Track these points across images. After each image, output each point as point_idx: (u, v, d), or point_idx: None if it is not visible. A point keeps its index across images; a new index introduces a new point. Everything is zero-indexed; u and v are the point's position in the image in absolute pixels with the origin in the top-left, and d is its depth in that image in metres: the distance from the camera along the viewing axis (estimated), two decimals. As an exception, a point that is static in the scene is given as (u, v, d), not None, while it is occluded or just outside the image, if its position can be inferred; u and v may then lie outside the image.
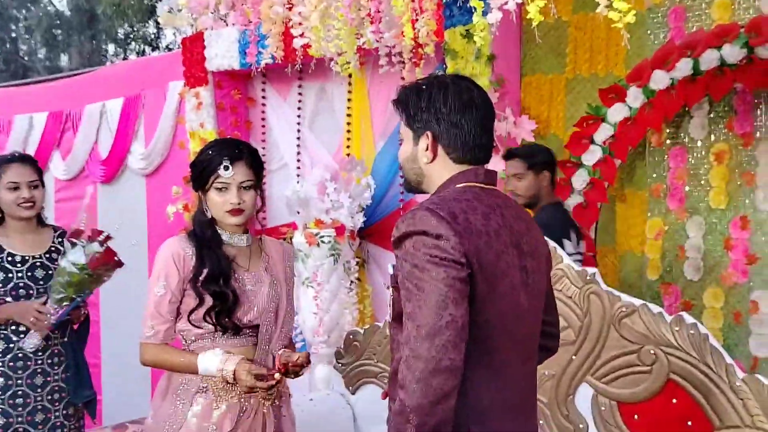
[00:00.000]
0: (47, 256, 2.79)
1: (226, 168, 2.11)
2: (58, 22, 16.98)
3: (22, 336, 2.70)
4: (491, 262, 1.52)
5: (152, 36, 15.54)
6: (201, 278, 2.11)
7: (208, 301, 2.11)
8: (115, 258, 2.67)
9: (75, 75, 6.15)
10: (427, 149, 1.63)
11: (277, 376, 2.09)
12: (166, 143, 4.73)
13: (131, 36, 15.66)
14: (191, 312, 2.12)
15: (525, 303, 1.61)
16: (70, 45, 16.94)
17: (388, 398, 1.67)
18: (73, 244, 2.63)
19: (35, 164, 2.86)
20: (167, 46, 14.73)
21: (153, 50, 15.20)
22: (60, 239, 2.82)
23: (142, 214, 4.99)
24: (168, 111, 4.67)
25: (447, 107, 1.62)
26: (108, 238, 2.67)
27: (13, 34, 18.08)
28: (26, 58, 17.89)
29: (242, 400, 2.14)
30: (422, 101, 1.64)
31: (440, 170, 1.64)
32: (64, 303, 2.64)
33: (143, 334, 2.16)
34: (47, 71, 14.87)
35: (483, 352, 1.52)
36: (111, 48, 16.65)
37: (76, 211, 5.30)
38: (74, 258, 2.59)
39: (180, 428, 2.12)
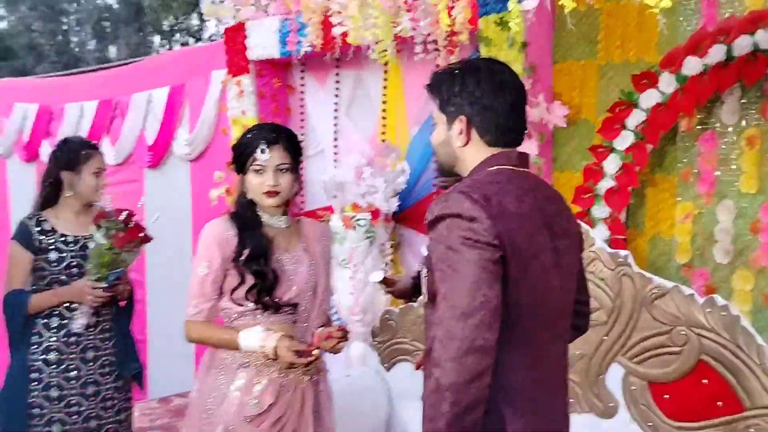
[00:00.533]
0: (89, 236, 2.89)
1: (263, 151, 2.19)
2: (107, 14, 17.40)
3: (74, 312, 2.81)
4: (523, 245, 1.55)
5: (196, 27, 15.82)
6: (242, 258, 2.20)
7: (249, 279, 2.19)
8: (140, 234, 2.80)
9: (122, 65, 6.34)
10: (460, 133, 1.66)
11: (315, 352, 2.16)
12: (210, 130, 4.88)
13: (176, 28, 15.96)
14: (233, 290, 2.21)
15: (557, 284, 1.65)
16: (118, 37, 17.35)
17: (423, 377, 1.71)
18: (99, 227, 2.75)
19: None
20: (210, 37, 14.96)
21: (196, 41, 15.46)
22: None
23: (187, 198, 5.16)
24: (211, 99, 4.81)
25: (480, 90, 1.64)
26: (131, 215, 2.79)
27: (65, 27, 18.57)
28: (77, 50, 18.36)
29: (282, 375, 2.22)
30: (455, 85, 1.66)
31: (474, 153, 1.67)
32: (103, 282, 2.76)
33: (188, 312, 2.24)
34: (97, 62, 15.21)
35: (515, 332, 1.56)
36: (156, 39, 16.99)
37: (125, 195, 5.54)
38: (99, 239, 2.73)
39: (223, 401, 2.20)
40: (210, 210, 4.36)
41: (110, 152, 5.67)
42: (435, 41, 3.26)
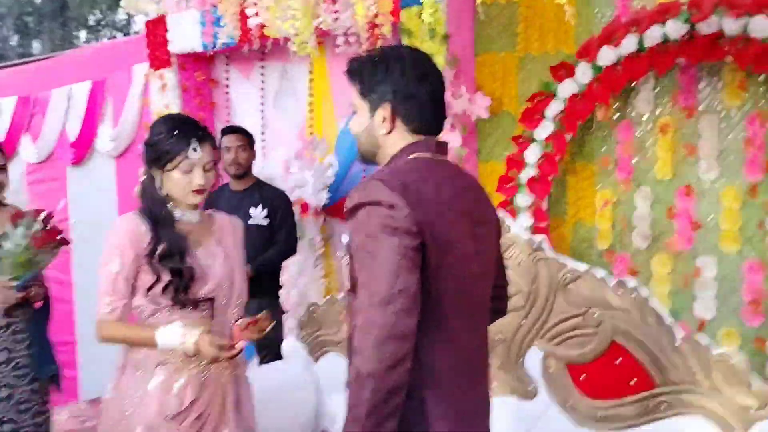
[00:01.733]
0: (2, 235, 2.79)
1: (195, 149, 2.14)
2: (30, 9, 16.82)
3: None
4: (443, 232, 1.56)
5: (123, 22, 15.46)
6: (157, 255, 2.13)
7: (165, 277, 2.13)
8: (58, 236, 2.73)
9: (42, 60, 6.15)
10: (383, 121, 1.64)
11: (239, 345, 2.12)
12: (134, 125, 4.78)
13: (102, 23, 15.57)
14: (149, 289, 2.14)
15: (476, 270, 1.66)
16: (41, 32, 16.78)
17: (347, 364, 1.75)
18: (16, 226, 2.68)
19: None
20: (137, 32, 14.66)
21: (123, 36, 15.10)
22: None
23: (113, 195, 5.05)
24: (134, 93, 4.72)
25: (404, 78, 1.63)
26: (50, 216, 2.72)
27: (-16, 22, 17.89)
28: (-2, 45, 17.71)
29: (201, 371, 2.17)
30: (378, 72, 1.64)
31: (396, 141, 1.66)
32: (17, 282, 2.69)
33: (99, 311, 2.15)
34: (19, 58, 14.72)
35: (435, 318, 1.56)
36: (83, 35, 16.52)
37: (48, 193, 5.38)
38: (17, 239, 2.65)
39: (141, 401, 2.13)
40: (136, 206, 4.27)
41: (32, 150, 5.51)
42: (357, 33, 3.27)
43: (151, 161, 2.20)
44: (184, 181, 2.16)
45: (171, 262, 2.14)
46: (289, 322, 3.76)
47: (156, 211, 2.18)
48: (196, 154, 2.14)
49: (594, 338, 2.53)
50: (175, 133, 2.17)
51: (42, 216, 2.72)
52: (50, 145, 5.39)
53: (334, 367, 3.02)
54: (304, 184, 3.88)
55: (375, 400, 1.47)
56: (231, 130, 3.74)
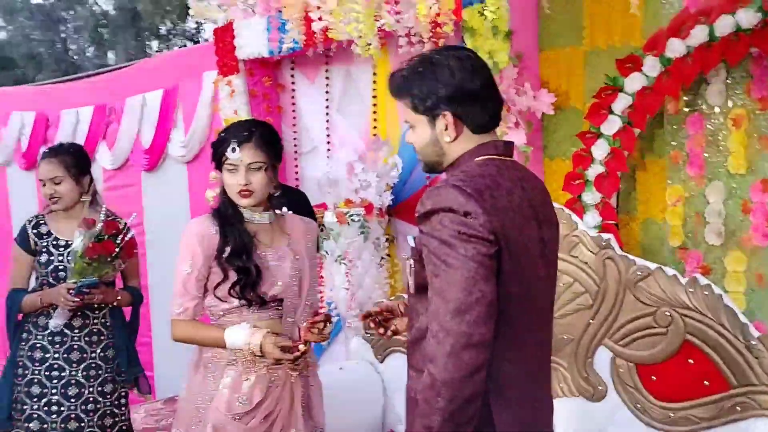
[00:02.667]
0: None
1: (233, 150, 2.18)
2: (104, 21, 17.46)
3: (54, 312, 2.83)
4: (515, 238, 1.54)
5: (193, 31, 15.88)
6: (224, 254, 2.20)
7: (232, 276, 2.20)
8: (115, 250, 2.77)
9: (115, 69, 6.37)
10: (446, 128, 1.62)
11: (301, 347, 2.16)
12: (204, 131, 4.90)
13: (173, 32, 16.02)
14: (216, 287, 2.21)
15: (542, 274, 1.65)
16: (115, 43, 17.40)
17: (408, 368, 1.72)
18: (80, 233, 2.75)
19: (62, 159, 2.93)
20: (206, 40, 15.03)
21: (194, 44, 15.51)
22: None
23: (185, 199, 5.18)
24: (204, 100, 4.83)
25: (456, 80, 1.60)
26: (111, 228, 2.78)
27: (63, 35, 18.63)
28: (76, 57, 18.43)
29: (270, 371, 2.22)
30: (428, 82, 1.61)
31: (462, 144, 1.64)
32: (73, 287, 2.75)
33: (172, 311, 2.24)
34: (95, 68, 15.29)
35: (503, 324, 1.54)
36: (154, 44, 17.05)
37: (124, 198, 5.56)
38: (76, 246, 2.73)
39: (212, 400, 2.20)
40: (207, 210, 4.37)
41: (108, 157, 5.72)
42: (419, 34, 3.27)
43: (214, 163, 2.29)
44: (231, 181, 2.22)
45: (237, 261, 2.20)
46: (354, 322, 3.79)
47: (224, 211, 2.25)
48: (235, 154, 2.18)
49: (665, 338, 2.47)
50: (222, 135, 2.25)
51: (98, 227, 2.75)
52: (125, 152, 5.57)
53: (400, 367, 3.01)
54: (369, 185, 3.90)
55: (451, 408, 1.46)
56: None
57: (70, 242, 2.85)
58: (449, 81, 1.60)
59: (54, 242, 2.87)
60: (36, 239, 2.87)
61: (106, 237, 2.76)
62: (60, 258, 2.87)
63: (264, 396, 2.21)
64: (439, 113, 1.61)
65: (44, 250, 2.86)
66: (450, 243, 1.49)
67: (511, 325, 1.57)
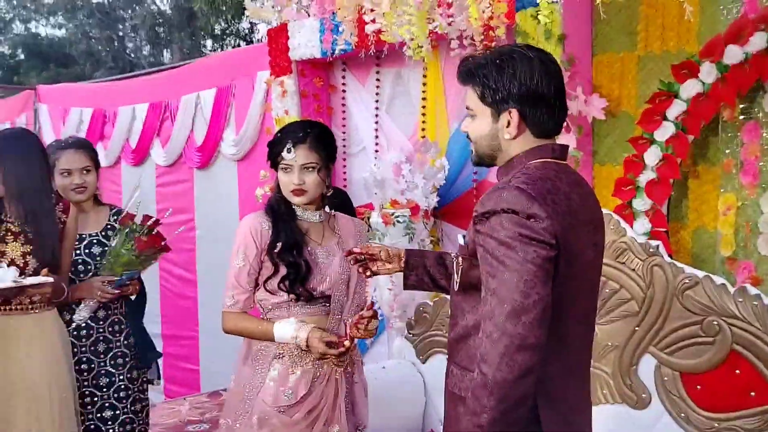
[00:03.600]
0: (103, 233, 2.93)
1: (289, 150, 2.25)
2: (161, 20, 17.83)
3: (80, 305, 2.84)
4: (573, 242, 1.55)
5: (246, 31, 16.11)
6: (276, 249, 2.26)
7: (282, 270, 2.25)
8: (162, 243, 2.84)
9: (171, 68, 6.51)
10: (508, 125, 1.60)
11: (347, 343, 2.20)
12: (255, 130, 4.98)
13: (227, 31, 16.27)
14: (266, 280, 2.27)
15: (594, 278, 1.67)
16: (171, 42, 17.77)
17: (449, 367, 1.75)
18: (124, 227, 2.80)
19: (89, 149, 2.98)
20: (260, 40, 15.22)
21: (247, 44, 15.73)
22: (115, 217, 2.97)
23: (235, 197, 5.27)
24: (256, 99, 4.91)
25: (533, 81, 1.57)
26: (156, 223, 2.83)
27: (121, 33, 19.10)
28: (132, 55, 18.88)
29: (316, 366, 2.26)
30: (503, 75, 1.59)
31: (520, 145, 1.63)
32: (116, 280, 2.80)
33: (224, 303, 2.30)
34: (151, 66, 15.63)
35: (553, 325, 1.54)
36: (209, 43, 17.35)
37: (175, 195, 5.68)
38: (123, 239, 2.78)
39: (259, 392, 2.26)
40: (256, 208, 4.44)
41: (161, 154, 5.85)
42: (472, 36, 3.28)
43: (270, 162, 2.33)
44: (285, 180, 2.28)
45: (288, 256, 2.25)
46: (397, 323, 3.81)
47: (277, 208, 2.30)
48: (290, 155, 2.25)
49: (711, 347, 2.44)
50: (278, 135, 2.31)
51: (150, 221, 2.83)
52: (178, 149, 5.69)
53: (442, 368, 3.03)
54: (415, 186, 3.91)
55: (502, 408, 1.47)
56: None
57: (83, 235, 2.88)
58: (526, 80, 1.58)
59: None
60: None
61: (153, 231, 2.82)
62: (77, 252, 2.87)
63: (308, 390, 2.25)
64: (506, 109, 1.60)
65: None
66: (510, 245, 1.49)
67: (562, 327, 1.57)
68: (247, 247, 2.27)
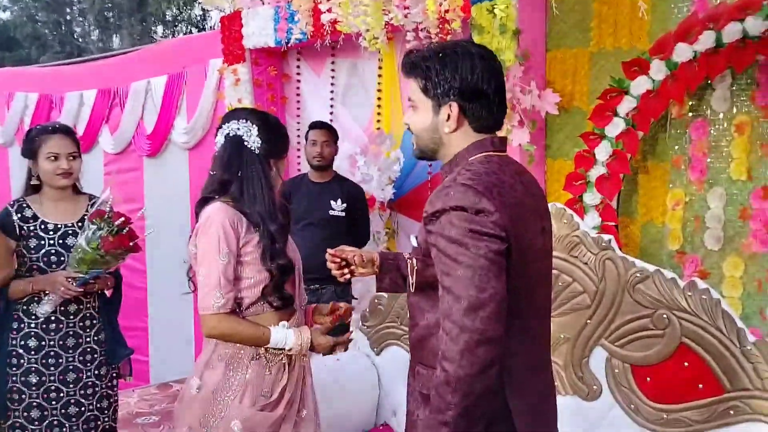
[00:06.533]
0: (79, 224, 2.84)
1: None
2: (110, 5, 17.43)
3: (44, 299, 2.75)
4: (522, 233, 1.55)
5: (198, 18, 15.87)
6: (268, 254, 2.12)
7: (275, 275, 2.14)
8: (130, 243, 2.73)
9: (121, 54, 6.37)
10: (448, 119, 1.60)
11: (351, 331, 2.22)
12: (207, 118, 4.92)
13: (179, 18, 16.01)
14: (265, 287, 2.13)
15: (544, 268, 1.68)
16: (121, 27, 17.40)
17: (411, 366, 1.73)
18: (92, 224, 2.69)
19: (74, 136, 2.92)
20: (212, 27, 15.00)
21: (199, 31, 15.50)
22: (93, 208, 2.85)
23: (185, 186, 5.20)
24: (209, 87, 4.85)
25: (474, 76, 1.58)
26: (126, 222, 2.72)
27: (68, 17, 18.62)
28: (80, 40, 18.42)
29: (284, 359, 2.18)
30: (446, 69, 1.59)
31: (460, 139, 1.63)
32: (79, 278, 2.71)
33: (212, 305, 2.08)
34: (99, 52, 15.27)
35: (512, 316, 1.54)
36: (160, 30, 17.04)
37: (124, 183, 5.56)
38: (89, 237, 2.67)
39: (234, 395, 2.14)
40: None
41: (110, 141, 5.73)
42: (428, 29, 3.28)
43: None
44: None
45: (281, 259, 2.16)
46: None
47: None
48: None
49: (661, 340, 2.48)
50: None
51: (120, 221, 2.72)
52: (128, 137, 5.58)
53: (396, 360, 3.04)
54: (370, 178, 3.91)
55: (466, 403, 1.48)
56: (319, 125, 3.87)
57: (59, 226, 2.81)
58: (467, 75, 1.58)
59: (42, 226, 2.79)
60: (21, 224, 2.77)
61: (123, 230, 2.73)
62: (51, 242, 2.80)
63: (285, 384, 2.19)
64: (447, 102, 1.60)
65: (32, 234, 2.78)
66: (461, 242, 1.49)
67: (518, 317, 1.57)
68: (228, 242, 2.08)
